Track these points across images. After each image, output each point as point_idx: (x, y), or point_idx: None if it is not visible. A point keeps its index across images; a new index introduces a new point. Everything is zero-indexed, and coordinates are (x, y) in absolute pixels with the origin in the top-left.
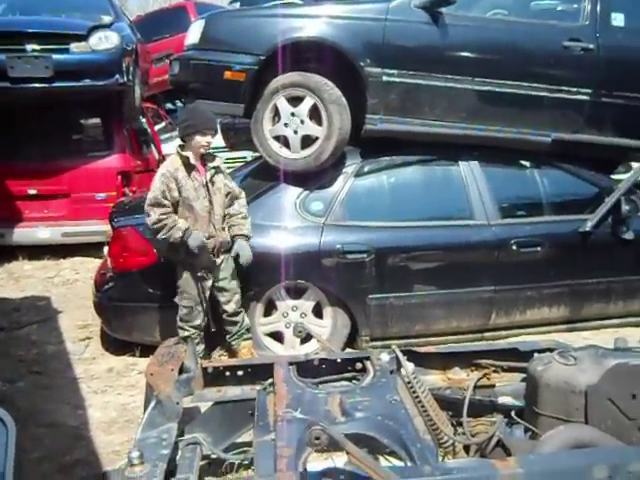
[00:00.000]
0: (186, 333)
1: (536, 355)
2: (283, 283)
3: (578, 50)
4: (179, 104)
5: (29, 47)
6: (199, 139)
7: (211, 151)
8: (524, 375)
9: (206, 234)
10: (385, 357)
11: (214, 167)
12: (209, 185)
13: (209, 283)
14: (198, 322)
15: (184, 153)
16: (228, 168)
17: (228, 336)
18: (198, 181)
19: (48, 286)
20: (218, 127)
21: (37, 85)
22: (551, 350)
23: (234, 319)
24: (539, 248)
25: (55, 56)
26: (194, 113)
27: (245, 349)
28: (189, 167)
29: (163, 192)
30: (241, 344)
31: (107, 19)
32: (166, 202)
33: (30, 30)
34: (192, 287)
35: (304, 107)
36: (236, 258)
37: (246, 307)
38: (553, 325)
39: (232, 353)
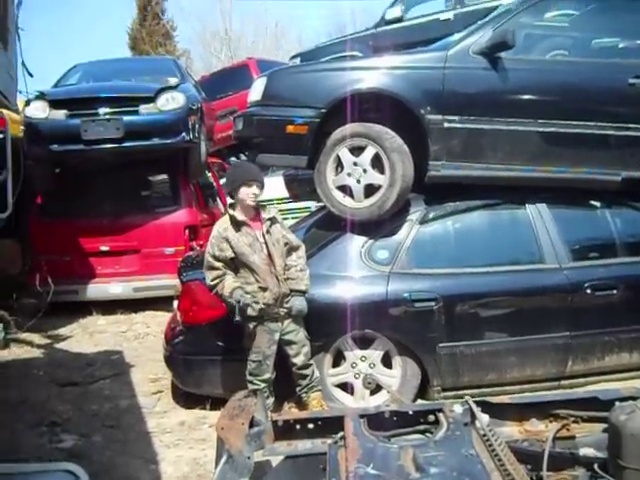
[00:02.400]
0: (255, 387)
1: (617, 404)
2: (351, 333)
3: None
4: (243, 158)
5: (101, 110)
6: (245, 190)
7: (267, 202)
8: (606, 425)
9: (270, 286)
10: (458, 409)
11: (269, 218)
12: (266, 237)
13: (276, 336)
14: (267, 376)
15: (231, 211)
16: (293, 218)
17: (298, 388)
18: (251, 236)
19: (121, 340)
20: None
21: (108, 146)
22: (634, 398)
23: (304, 372)
24: (615, 291)
25: (125, 118)
26: (237, 168)
27: (315, 401)
28: (238, 224)
29: (214, 255)
30: (311, 396)
31: (173, 81)
32: (217, 264)
33: (102, 95)
34: (260, 341)
35: (366, 156)
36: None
37: (315, 358)
38: (633, 371)
39: (302, 405)
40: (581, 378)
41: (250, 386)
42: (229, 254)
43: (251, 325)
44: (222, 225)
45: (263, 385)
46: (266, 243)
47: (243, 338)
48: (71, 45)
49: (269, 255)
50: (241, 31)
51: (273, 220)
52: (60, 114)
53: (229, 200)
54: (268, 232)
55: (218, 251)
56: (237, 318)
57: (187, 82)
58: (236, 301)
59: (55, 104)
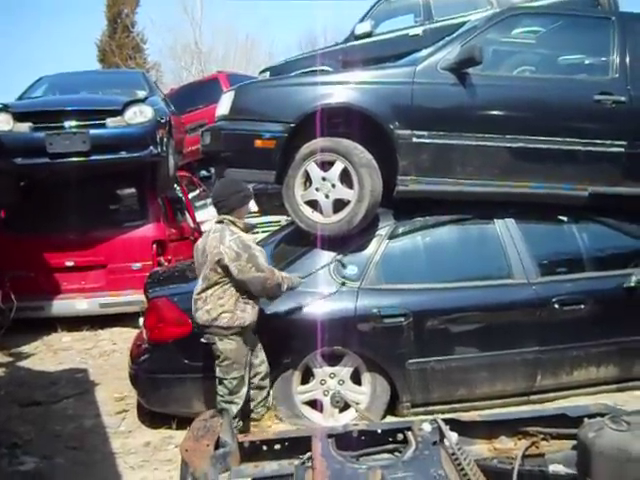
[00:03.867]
0: (235, 408)
1: (586, 421)
2: (320, 350)
3: (610, 103)
4: (213, 171)
5: (67, 124)
6: (251, 206)
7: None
8: (575, 442)
9: None
10: (427, 427)
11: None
12: None
13: (250, 347)
14: (245, 390)
15: (241, 220)
16: (263, 232)
17: (252, 403)
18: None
19: (86, 358)
20: None
21: (75, 159)
22: (602, 415)
23: (265, 383)
24: (582, 306)
25: (92, 131)
26: (241, 185)
27: (268, 419)
28: (248, 233)
29: (263, 253)
30: (263, 411)
31: (141, 94)
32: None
33: (68, 108)
34: (242, 355)
35: (335, 171)
36: None
37: (283, 375)
38: (602, 385)
39: (252, 421)
40: (550, 393)
41: (230, 407)
42: None
43: (237, 340)
44: (246, 236)
45: (241, 403)
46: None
47: (211, 356)
48: (37, 57)
49: None
50: (212, 44)
51: None
52: (24, 127)
53: (224, 217)
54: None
55: (263, 253)
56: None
57: (155, 95)
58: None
59: (19, 117)
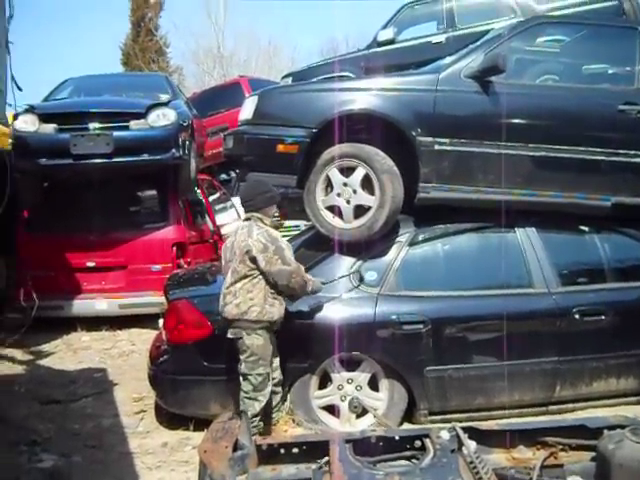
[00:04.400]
0: (257, 405)
1: (606, 432)
2: (338, 355)
3: (635, 113)
4: (233, 175)
5: (91, 126)
6: (276, 208)
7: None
8: (594, 454)
9: None
10: (445, 435)
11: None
12: None
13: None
14: (269, 388)
15: (268, 218)
16: (283, 237)
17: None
18: None
19: (105, 358)
20: None
21: (98, 161)
22: (622, 427)
23: (279, 389)
24: (603, 317)
25: (115, 133)
26: (268, 185)
27: (285, 423)
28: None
29: (290, 248)
30: (279, 415)
31: (164, 97)
32: None
33: (92, 110)
34: (268, 351)
35: (356, 177)
36: None
37: (301, 380)
38: (622, 397)
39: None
40: (569, 404)
41: (252, 404)
42: None
43: (265, 336)
44: (274, 231)
45: (264, 401)
46: None
47: (229, 358)
48: (63, 59)
49: None
50: (234, 49)
51: None
52: (49, 128)
53: (251, 214)
54: None
55: (290, 248)
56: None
57: (178, 99)
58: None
59: (45, 118)
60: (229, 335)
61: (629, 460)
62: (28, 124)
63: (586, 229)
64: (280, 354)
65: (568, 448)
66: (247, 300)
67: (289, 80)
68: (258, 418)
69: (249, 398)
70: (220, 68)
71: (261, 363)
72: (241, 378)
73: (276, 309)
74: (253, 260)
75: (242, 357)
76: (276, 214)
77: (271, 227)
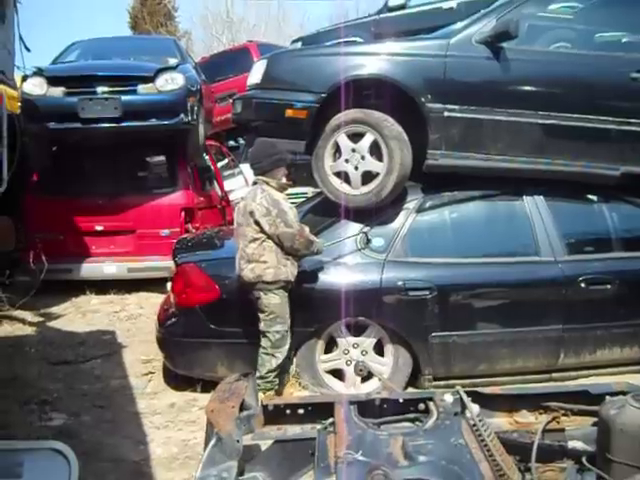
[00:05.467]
0: (274, 362)
1: (608, 398)
2: (344, 320)
3: None
4: (241, 141)
5: (99, 89)
6: (285, 170)
7: None
8: (595, 419)
9: None
10: (449, 398)
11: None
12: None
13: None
14: (287, 346)
15: (275, 181)
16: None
17: None
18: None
19: (113, 320)
20: None
21: (106, 125)
22: (624, 393)
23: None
24: (609, 286)
25: (124, 97)
26: (276, 147)
27: (291, 386)
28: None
29: (294, 211)
30: (287, 381)
31: (173, 61)
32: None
33: (101, 73)
34: (286, 310)
35: (365, 143)
36: None
37: (307, 344)
38: (625, 366)
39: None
40: (572, 371)
41: (270, 360)
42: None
43: (280, 295)
44: (278, 193)
45: (282, 358)
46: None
47: (237, 320)
48: (70, 22)
49: None
50: (243, 14)
51: None
52: (58, 91)
53: (257, 177)
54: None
55: (293, 210)
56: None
57: (187, 63)
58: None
59: (53, 81)
60: (250, 297)
61: (630, 425)
62: (36, 87)
63: (594, 198)
64: None
65: (570, 413)
66: (261, 263)
67: (298, 45)
68: (273, 374)
69: (267, 354)
70: (229, 33)
71: (279, 321)
72: (261, 335)
73: (289, 269)
74: (257, 224)
75: (261, 316)
76: (284, 178)
77: (278, 189)
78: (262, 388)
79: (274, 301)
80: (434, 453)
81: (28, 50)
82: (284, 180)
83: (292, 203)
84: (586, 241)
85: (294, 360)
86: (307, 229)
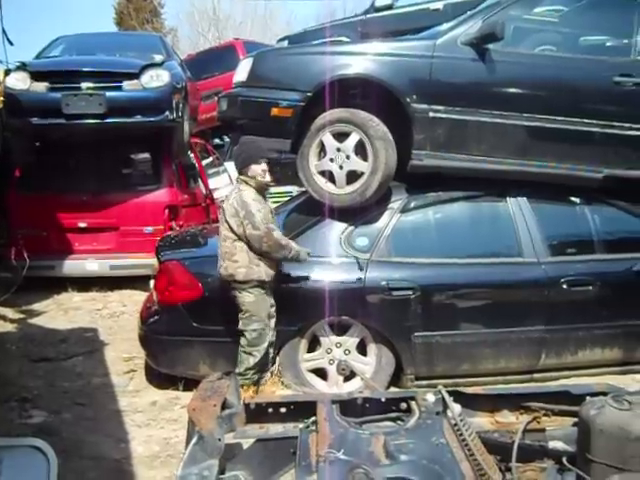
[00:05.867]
0: (252, 360)
1: (588, 399)
2: (327, 319)
3: (630, 85)
4: (226, 139)
5: (84, 85)
6: (254, 168)
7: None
8: (576, 419)
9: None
10: (431, 397)
11: (269, 195)
12: (273, 212)
13: (271, 306)
14: (265, 345)
15: (254, 179)
16: (274, 202)
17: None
18: (268, 207)
19: (95, 318)
20: None
21: (90, 121)
22: (604, 394)
23: (270, 349)
24: (591, 287)
25: (108, 93)
26: (245, 146)
27: (273, 385)
28: (262, 194)
29: (266, 211)
30: (270, 378)
31: (158, 58)
32: (272, 219)
33: (85, 69)
34: (262, 309)
35: (350, 143)
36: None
37: (290, 343)
38: (606, 367)
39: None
40: (554, 372)
41: (247, 359)
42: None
43: (255, 293)
44: (250, 193)
45: (260, 356)
46: (273, 217)
47: (221, 319)
48: (55, 17)
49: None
50: (229, 11)
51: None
52: (41, 86)
53: (239, 176)
54: (272, 210)
55: (263, 208)
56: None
57: (173, 60)
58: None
59: (36, 76)
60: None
61: (609, 426)
62: (19, 82)
63: (577, 200)
64: None
65: (551, 413)
66: (233, 262)
67: (285, 44)
68: (252, 372)
69: (244, 352)
70: (215, 30)
71: (254, 319)
72: (240, 333)
73: (262, 268)
74: (228, 223)
75: (239, 314)
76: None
77: (257, 188)
78: (241, 384)
79: (248, 299)
80: (415, 452)
81: (11, 44)
82: (268, 178)
83: (276, 202)
84: (568, 243)
85: (277, 359)
86: (276, 233)
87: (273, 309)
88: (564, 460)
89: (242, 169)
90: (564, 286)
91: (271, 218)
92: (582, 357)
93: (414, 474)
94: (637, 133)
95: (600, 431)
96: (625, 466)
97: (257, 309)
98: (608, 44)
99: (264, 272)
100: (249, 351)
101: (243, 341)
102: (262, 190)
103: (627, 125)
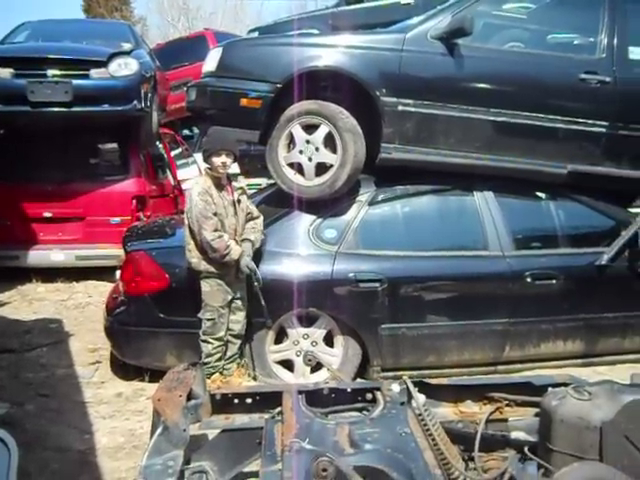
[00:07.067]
0: (209, 347)
1: (550, 390)
2: (295, 311)
3: (594, 83)
4: (196, 130)
5: (50, 72)
6: (214, 160)
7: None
8: (538, 410)
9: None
10: (396, 388)
11: (240, 188)
12: (236, 204)
13: (229, 298)
14: (221, 334)
15: (214, 172)
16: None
17: (225, 358)
18: (227, 200)
19: (60, 309)
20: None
21: (56, 109)
22: (566, 385)
23: (236, 341)
24: (554, 281)
25: (75, 81)
26: (209, 137)
27: (239, 376)
28: (220, 186)
29: (205, 207)
30: (233, 367)
31: (127, 46)
32: (211, 215)
33: (51, 56)
34: (215, 300)
35: (319, 135)
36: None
37: (257, 334)
38: (568, 359)
39: (223, 377)
40: (517, 364)
41: (204, 346)
42: (213, 210)
43: (209, 284)
44: (205, 183)
45: (217, 344)
46: (235, 210)
47: (187, 309)
48: (20, 2)
49: (237, 221)
50: (200, 2)
51: (243, 191)
52: (6, 73)
53: (194, 168)
54: (238, 201)
55: (204, 203)
56: (258, 284)
57: (141, 49)
58: (251, 270)
59: (1, 62)
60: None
61: (570, 416)
62: None
63: (542, 196)
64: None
65: (513, 404)
66: (188, 252)
67: (255, 35)
68: (213, 359)
69: (201, 340)
70: (185, 20)
71: (208, 309)
72: None
73: (212, 261)
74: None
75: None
76: (235, 172)
77: (214, 182)
78: (206, 374)
79: (204, 289)
80: (380, 441)
81: None
82: (226, 171)
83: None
84: (533, 237)
85: (244, 350)
86: (206, 233)
87: (240, 302)
88: (526, 450)
89: (205, 160)
90: (528, 279)
91: (223, 209)
92: (545, 349)
93: (378, 463)
94: (600, 130)
95: (561, 421)
96: (585, 455)
97: (210, 299)
98: (575, 42)
99: (213, 265)
100: (204, 339)
101: (202, 328)
102: (220, 183)
103: (591, 122)
